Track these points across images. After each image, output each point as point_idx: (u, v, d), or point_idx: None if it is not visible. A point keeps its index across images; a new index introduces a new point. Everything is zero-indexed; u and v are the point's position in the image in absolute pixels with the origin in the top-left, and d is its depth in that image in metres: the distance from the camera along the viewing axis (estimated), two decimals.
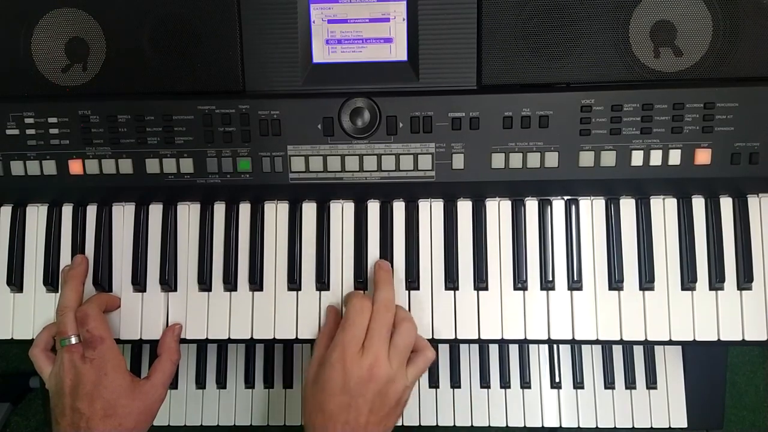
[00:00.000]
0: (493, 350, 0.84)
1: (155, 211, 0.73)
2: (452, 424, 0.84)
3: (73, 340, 0.66)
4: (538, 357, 0.84)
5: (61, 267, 0.73)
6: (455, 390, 0.84)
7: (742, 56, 0.65)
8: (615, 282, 0.69)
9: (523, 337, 0.69)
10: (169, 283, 0.72)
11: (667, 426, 0.83)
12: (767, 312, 0.68)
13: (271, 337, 0.71)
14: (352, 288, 0.71)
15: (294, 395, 0.86)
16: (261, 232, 0.72)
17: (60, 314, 0.68)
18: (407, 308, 0.70)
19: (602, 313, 0.69)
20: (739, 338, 0.68)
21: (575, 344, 0.81)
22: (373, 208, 0.72)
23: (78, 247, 0.73)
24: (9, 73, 0.70)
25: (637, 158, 0.66)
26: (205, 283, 0.72)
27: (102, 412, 0.64)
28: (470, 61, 0.67)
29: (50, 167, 0.70)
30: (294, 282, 0.71)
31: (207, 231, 0.72)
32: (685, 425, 0.83)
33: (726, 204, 0.69)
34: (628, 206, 0.70)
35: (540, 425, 0.84)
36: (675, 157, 0.66)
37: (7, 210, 0.75)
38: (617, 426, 0.83)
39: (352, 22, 0.68)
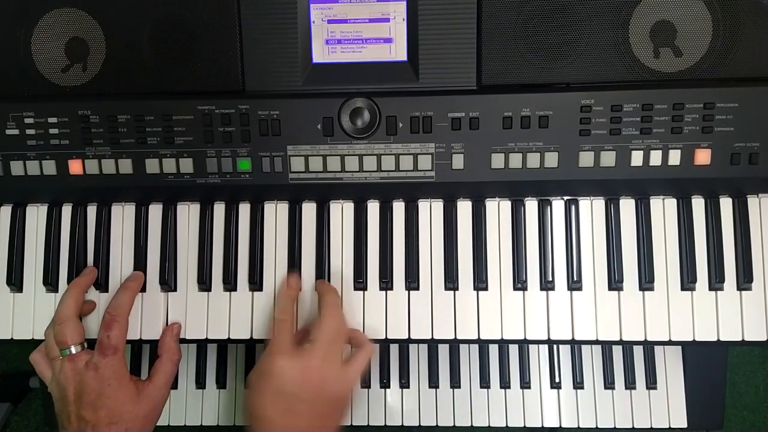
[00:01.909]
0: (493, 350, 0.84)
1: (155, 211, 0.73)
2: (452, 424, 0.84)
3: (74, 350, 0.66)
4: (538, 357, 0.84)
5: (61, 267, 0.73)
6: (455, 390, 0.84)
7: (742, 56, 0.65)
8: (615, 282, 0.69)
9: (522, 338, 0.69)
10: (168, 283, 0.72)
11: (667, 426, 0.83)
12: (767, 312, 0.68)
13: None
14: (351, 288, 0.71)
15: None
16: (261, 232, 0.72)
17: (58, 323, 0.67)
18: (407, 309, 0.70)
19: (602, 313, 0.69)
20: (739, 338, 0.68)
21: (575, 344, 0.81)
22: (373, 208, 0.72)
23: (78, 247, 0.73)
24: (9, 73, 0.70)
25: (636, 158, 0.66)
26: (204, 283, 0.72)
27: (107, 419, 0.64)
28: (470, 61, 0.67)
29: (50, 167, 0.70)
30: None
31: (207, 231, 0.72)
32: (685, 425, 0.83)
33: (726, 204, 0.69)
34: (627, 206, 0.70)
35: (540, 425, 0.84)
36: (675, 157, 0.66)
37: (7, 210, 0.75)
38: (617, 426, 0.83)
39: (352, 22, 0.68)
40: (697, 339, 0.68)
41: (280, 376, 0.62)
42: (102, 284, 0.73)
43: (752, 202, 0.69)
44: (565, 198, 0.71)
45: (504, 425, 0.84)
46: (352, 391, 0.66)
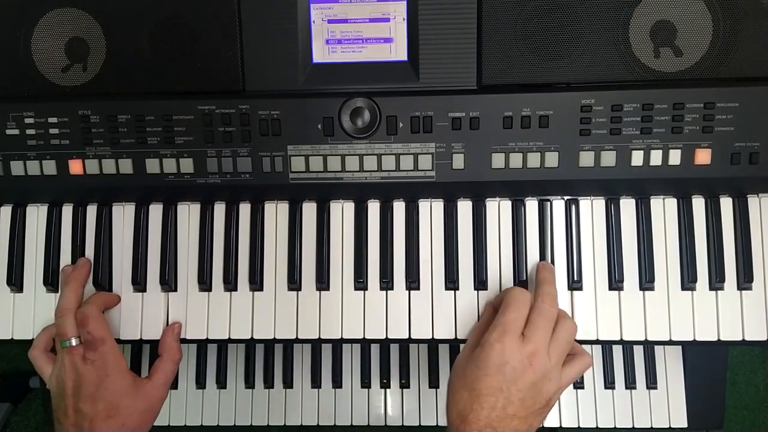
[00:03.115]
0: None
1: (155, 211, 0.73)
2: None
3: (74, 342, 0.66)
4: None
5: (62, 267, 0.73)
6: None
7: (742, 56, 0.65)
8: (615, 282, 0.69)
9: None
10: (169, 283, 0.72)
11: (667, 426, 0.83)
12: (767, 312, 0.68)
13: (271, 337, 0.71)
14: (352, 288, 0.71)
15: (294, 395, 0.86)
16: (261, 232, 0.72)
17: (59, 316, 0.67)
18: (407, 308, 0.70)
19: (602, 313, 0.69)
20: (739, 338, 0.68)
21: None
22: (373, 208, 0.72)
23: (78, 247, 0.73)
24: (9, 73, 0.70)
25: (637, 158, 0.66)
26: (205, 283, 0.72)
27: (105, 412, 0.64)
28: (470, 61, 0.67)
29: (50, 167, 0.70)
30: (294, 282, 0.71)
31: (207, 231, 0.72)
32: (685, 425, 0.83)
33: (726, 204, 0.69)
34: (628, 206, 0.70)
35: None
36: (675, 157, 0.66)
37: (7, 210, 0.75)
38: (617, 426, 0.83)
39: (352, 22, 0.68)
40: (697, 339, 0.68)
41: (502, 355, 0.59)
42: (102, 284, 0.73)
43: (752, 201, 0.69)
44: (566, 198, 0.71)
45: None
46: (557, 398, 0.63)
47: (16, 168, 0.71)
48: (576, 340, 0.68)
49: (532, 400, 0.59)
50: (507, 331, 0.60)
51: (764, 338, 0.68)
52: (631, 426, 0.83)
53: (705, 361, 0.84)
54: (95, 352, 0.65)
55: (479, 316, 0.70)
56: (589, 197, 0.71)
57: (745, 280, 0.68)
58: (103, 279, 0.73)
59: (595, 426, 0.83)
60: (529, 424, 0.60)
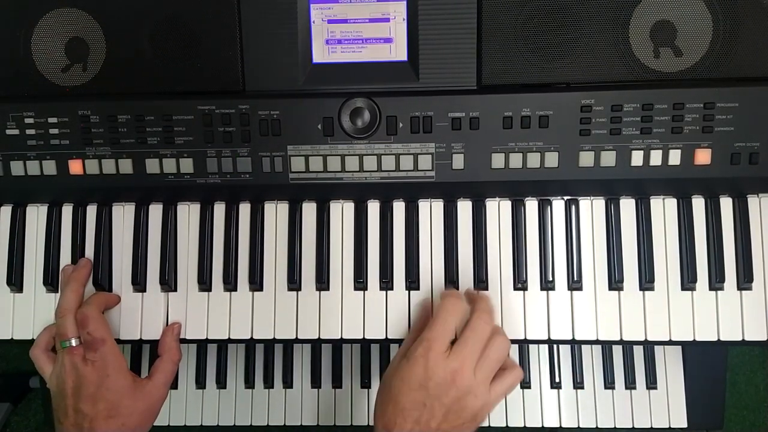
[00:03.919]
0: None
1: (155, 211, 0.73)
2: None
3: (74, 343, 0.66)
4: (538, 357, 0.84)
5: (62, 267, 0.73)
6: None
7: (742, 56, 0.65)
8: (615, 282, 0.69)
9: (523, 337, 0.69)
10: (169, 283, 0.72)
11: (667, 426, 0.83)
12: (767, 312, 0.68)
13: (271, 337, 0.71)
14: (352, 288, 0.71)
15: (294, 395, 0.86)
16: (261, 232, 0.72)
17: (60, 316, 0.67)
18: (407, 308, 0.70)
19: (602, 313, 0.69)
20: (739, 338, 0.68)
21: (575, 344, 0.81)
22: (373, 208, 0.72)
23: (78, 247, 0.73)
24: (9, 73, 0.70)
25: (637, 158, 0.66)
26: (205, 283, 0.72)
27: (105, 412, 0.64)
28: (470, 61, 0.67)
29: (50, 167, 0.70)
30: (294, 282, 0.71)
31: (207, 231, 0.72)
32: (685, 425, 0.83)
33: (726, 204, 0.69)
34: (628, 206, 0.70)
35: (540, 425, 0.84)
36: (675, 157, 0.66)
37: (7, 210, 0.75)
38: (617, 426, 0.83)
39: (352, 22, 0.68)
40: (697, 339, 0.68)
41: (426, 370, 0.59)
42: (102, 284, 0.73)
43: (752, 202, 0.69)
44: (566, 198, 0.71)
45: (504, 425, 0.84)
46: (488, 412, 0.62)
47: (16, 168, 0.71)
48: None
49: (455, 415, 0.59)
50: (431, 348, 0.60)
51: (764, 338, 0.68)
52: (631, 426, 0.83)
53: (705, 361, 0.84)
54: (95, 353, 0.65)
55: None
56: (589, 197, 0.71)
57: (745, 280, 0.68)
58: (102, 279, 0.73)
59: (595, 426, 0.83)
60: None
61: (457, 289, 0.70)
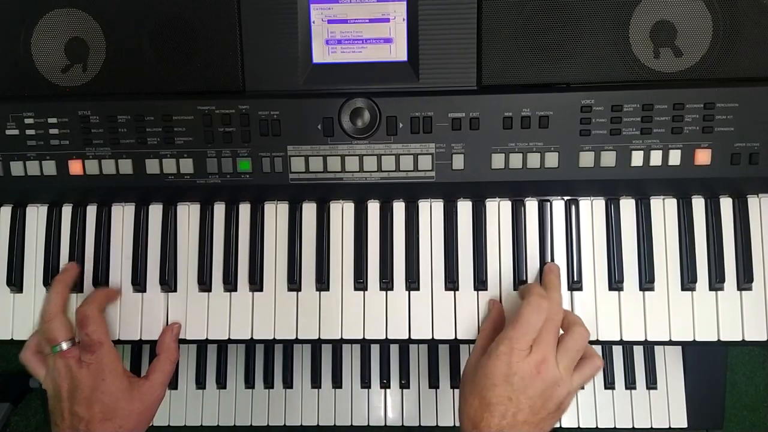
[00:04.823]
0: None
1: (155, 211, 0.73)
2: (452, 424, 0.84)
3: (64, 346, 0.66)
4: None
5: (61, 267, 0.73)
6: (455, 390, 0.84)
7: (742, 56, 0.65)
8: (615, 282, 0.69)
9: None
10: (169, 283, 0.72)
11: (667, 426, 0.83)
12: (767, 312, 0.68)
13: (271, 338, 0.71)
14: (352, 288, 0.71)
15: (294, 395, 0.86)
16: (261, 232, 0.72)
17: (46, 321, 0.67)
18: (407, 308, 0.70)
19: (602, 313, 0.69)
20: (739, 338, 0.68)
21: None
22: (373, 208, 0.72)
23: (78, 248, 0.73)
24: (9, 73, 0.70)
25: (637, 158, 0.66)
26: (205, 283, 0.72)
27: (101, 415, 0.63)
28: (470, 61, 0.67)
29: (50, 167, 0.70)
30: (294, 282, 0.71)
31: (207, 231, 0.72)
32: (685, 425, 0.83)
33: (726, 204, 0.69)
34: (628, 206, 0.70)
35: None
36: (675, 157, 0.66)
37: (7, 210, 0.75)
38: (617, 426, 0.83)
39: (352, 22, 0.68)
40: (697, 339, 0.68)
41: (509, 366, 0.60)
42: (102, 284, 0.72)
43: (752, 202, 0.69)
44: (566, 198, 0.71)
45: None
46: (570, 401, 0.63)
47: (16, 168, 0.71)
48: None
49: (542, 406, 0.60)
50: (515, 345, 0.61)
51: (764, 338, 0.68)
52: (631, 426, 0.83)
53: (705, 361, 0.84)
54: (92, 355, 0.65)
55: (479, 316, 0.70)
56: (589, 197, 0.71)
57: (745, 280, 0.68)
58: (102, 279, 0.73)
59: (595, 426, 0.83)
60: (541, 429, 0.60)
61: (458, 290, 0.70)
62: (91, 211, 0.74)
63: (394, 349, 0.86)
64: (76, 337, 0.68)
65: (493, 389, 0.60)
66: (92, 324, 0.66)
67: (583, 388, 0.83)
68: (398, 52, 0.69)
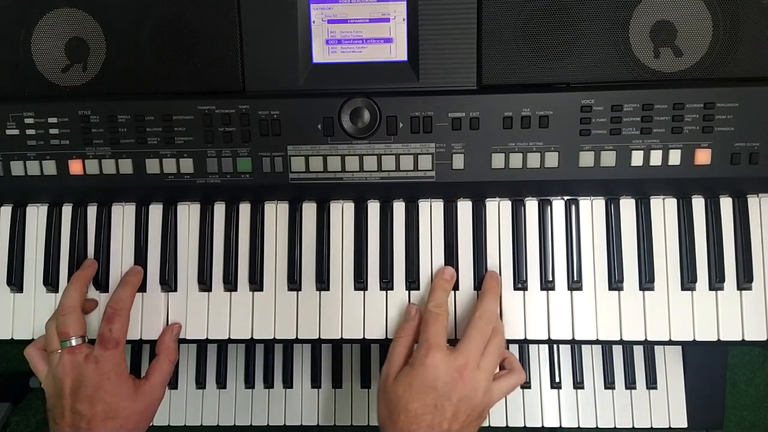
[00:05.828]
0: None
1: (155, 211, 0.73)
2: None
3: (74, 342, 0.66)
4: (538, 357, 0.84)
5: (62, 267, 0.73)
6: None
7: (742, 56, 0.65)
8: (615, 282, 0.69)
9: (523, 337, 0.69)
10: (169, 283, 0.72)
11: (667, 426, 0.83)
12: (767, 312, 0.68)
13: (271, 337, 0.71)
14: (352, 288, 0.71)
15: (294, 395, 0.86)
16: (261, 232, 0.72)
17: (62, 314, 0.67)
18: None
19: (602, 313, 0.69)
20: (739, 338, 0.68)
21: (575, 344, 0.81)
22: (373, 208, 0.72)
23: (78, 248, 0.73)
24: (9, 73, 0.70)
25: (637, 158, 0.66)
26: (205, 283, 0.72)
27: (103, 414, 0.64)
28: (470, 61, 0.67)
29: (50, 167, 0.70)
30: (294, 282, 0.71)
31: (207, 231, 0.72)
32: (685, 425, 0.83)
33: (726, 204, 0.69)
34: (628, 206, 0.70)
35: (540, 425, 0.84)
36: (675, 157, 0.66)
37: (7, 210, 0.75)
38: (617, 426, 0.83)
39: (352, 22, 0.68)
40: (697, 339, 0.68)
41: (434, 370, 0.60)
42: (102, 284, 0.73)
43: (752, 202, 0.69)
44: (566, 198, 0.71)
45: (504, 425, 0.84)
46: (488, 410, 0.63)
47: (16, 168, 0.71)
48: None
49: (465, 413, 0.60)
50: (432, 346, 0.61)
51: (764, 338, 0.68)
52: (631, 426, 0.83)
53: (705, 361, 0.84)
54: (105, 352, 0.65)
55: None
56: (589, 197, 0.71)
57: (745, 280, 0.68)
58: (102, 279, 0.73)
59: (595, 426, 0.83)
60: None
61: (458, 289, 0.70)
62: (92, 211, 0.74)
63: None
64: (86, 335, 0.68)
65: (418, 398, 0.60)
66: (119, 322, 0.67)
67: (583, 386, 0.83)
68: (398, 52, 0.69)
